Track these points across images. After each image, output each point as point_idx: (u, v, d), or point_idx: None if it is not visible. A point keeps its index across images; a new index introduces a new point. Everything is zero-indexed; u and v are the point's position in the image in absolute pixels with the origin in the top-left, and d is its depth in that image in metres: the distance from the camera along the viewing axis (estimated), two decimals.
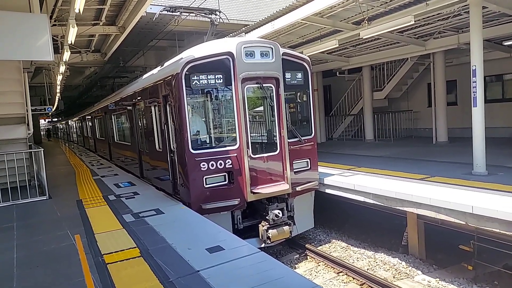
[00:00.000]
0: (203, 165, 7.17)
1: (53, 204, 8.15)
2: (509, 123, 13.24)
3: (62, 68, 11.55)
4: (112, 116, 14.56)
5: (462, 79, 14.21)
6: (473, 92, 7.89)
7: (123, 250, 4.97)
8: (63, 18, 8.45)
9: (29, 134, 9.71)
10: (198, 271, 4.15)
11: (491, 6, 8.14)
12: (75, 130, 35.14)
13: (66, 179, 11.72)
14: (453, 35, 11.69)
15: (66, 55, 9.56)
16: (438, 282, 6.55)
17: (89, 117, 22.16)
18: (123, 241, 5.35)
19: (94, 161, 17.13)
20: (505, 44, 12.15)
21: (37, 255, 5.06)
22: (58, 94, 21.17)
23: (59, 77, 13.73)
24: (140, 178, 10.95)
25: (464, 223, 5.96)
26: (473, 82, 7.88)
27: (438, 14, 9.50)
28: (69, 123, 40.23)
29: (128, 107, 11.37)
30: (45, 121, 63.60)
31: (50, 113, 36.72)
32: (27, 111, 9.47)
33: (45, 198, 8.67)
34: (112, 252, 4.90)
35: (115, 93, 15.23)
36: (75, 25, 6.94)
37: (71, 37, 7.75)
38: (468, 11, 8.38)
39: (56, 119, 62.58)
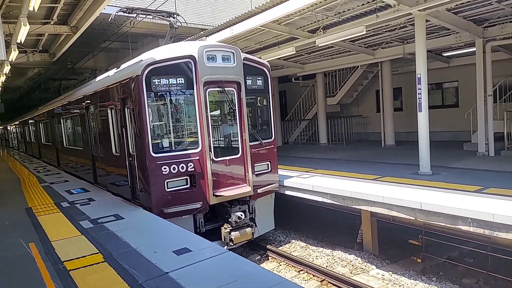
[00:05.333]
0: (165, 168, 7.09)
1: None
2: (447, 127, 14.42)
3: (7, 69, 10.79)
4: (61, 120, 13.83)
5: (406, 86, 15.31)
6: (418, 98, 8.53)
7: (85, 256, 4.80)
8: (11, 15, 7.96)
9: None
10: (167, 272, 4.13)
11: (433, 19, 8.89)
12: (15, 135, 32.84)
13: (9, 187, 10.99)
14: (399, 46, 12.59)
15: (13, 55, 8.99)
16: (391, 275, 7.00)
17: (33, 121, 20.86)
18: (83, 247, 5.16)
19: (40, 167, 16.19)
20: (444, 55, 13.28)
21: None
22: None
23: (2, 78, 12.81)
24: (94, 184, 10.53)
25: (414, 218, 6.45)
26: (418, 89, 8.53)
27: (386, 25, 10.21)
28: (8, 128, 37.51)
29: (80, 110, 10.89)
30: None
31: None
32: None
33: None
34: (73, 259, 4.72)
35: (64, 96, 14.50)
36: (27, 23, 6.58)
37: (22, 35, 7.32)
38: (413, 23, 9.11)
39: None
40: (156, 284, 3.88)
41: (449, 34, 10.98)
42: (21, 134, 27.99)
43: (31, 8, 5.67)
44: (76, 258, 4.73)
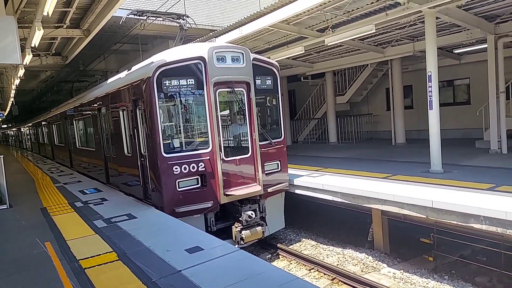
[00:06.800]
0: (176, 168, 7.18)
1: (16, 213, 7.82)
2: (459, 125, 14.27)
3: (21, 72, 11.00)
4: (74, 122, 14.07)
5: (417, 84, 15.18)
6: (429, 96, 8.48)
7: (99, 254, 4.91)
8: (26, 20, 8.13)
9: None
10: (180, 270, 4.21)
11: (443, 17, 8.83)
12: (28, 137, 33.42)
13: (25, 187, 11.21)
14: (409, 43, 12.51)
15: (28, 58, 9.17)
16: (402, 274, 6.97)
17: (46, 123, 21.22)
18: (98, 246, 5.28)
19: (53, 168, 16.49)
20: (455, 52, 13.14)
21: (8, 263, 4.88)
22: (11, 99, 20.04)
23: (17, 81, 13.06)
24: (106, 184, 10.69)
25: (425, 216, 6.42)
26: (428, 87, 8.48)
27: (396, 23, 10.15)
28: (22, 130, 38.18)
29: (92, 112, 11.08)
30: None
31: (0, 119, 34.61)
32: None
33: (6, 207, 8.29)
34: (88, 257, 4.83)
35: (77, 98, 14.74)
36: (42, 27, 6.72)
37: (36, 40, 7.47)
38: (423, 21, 9.04)
39: (5, 126, 59.02)
40: (169, 282, 3.96)
41: (460, 31, 10.87)
42: (34, 135, 28.48)
43: (45, 13, 5.79)
44: (91, 257, 4.84)
